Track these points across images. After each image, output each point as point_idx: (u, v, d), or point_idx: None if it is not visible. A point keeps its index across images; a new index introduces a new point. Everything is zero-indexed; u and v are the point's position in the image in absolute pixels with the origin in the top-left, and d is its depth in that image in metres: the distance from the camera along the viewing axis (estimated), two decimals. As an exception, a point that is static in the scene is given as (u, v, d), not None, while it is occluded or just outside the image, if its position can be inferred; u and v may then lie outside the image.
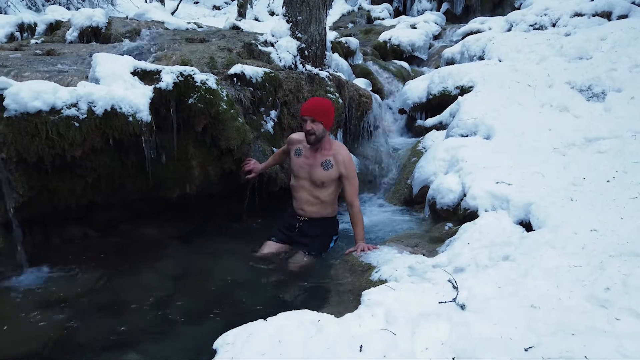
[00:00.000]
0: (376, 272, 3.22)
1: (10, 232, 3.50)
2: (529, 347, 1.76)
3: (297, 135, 3.98)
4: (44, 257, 3.81)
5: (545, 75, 6.62)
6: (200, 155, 4.31)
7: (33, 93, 3.33)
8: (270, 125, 4.90)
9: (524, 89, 6.29)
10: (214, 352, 1.98)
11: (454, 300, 2.10)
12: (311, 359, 1.76)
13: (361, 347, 1.82)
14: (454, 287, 2.32)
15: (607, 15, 8.47)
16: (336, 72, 6.22)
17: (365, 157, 5.98)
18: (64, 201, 3.78)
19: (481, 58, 8.00)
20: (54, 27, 7.93)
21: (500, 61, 7.44)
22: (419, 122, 7.10)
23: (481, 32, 9.60)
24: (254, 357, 1.80)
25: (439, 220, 4.34)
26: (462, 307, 2.07)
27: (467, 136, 5.27)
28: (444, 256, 3.27)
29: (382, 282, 2.92)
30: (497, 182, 3.76)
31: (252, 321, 2.15)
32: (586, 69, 6.26)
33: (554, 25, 8.95)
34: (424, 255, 3.52)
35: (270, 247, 4.01)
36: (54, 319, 3.12)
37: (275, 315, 2.08)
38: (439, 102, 6.90)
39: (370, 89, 7.22)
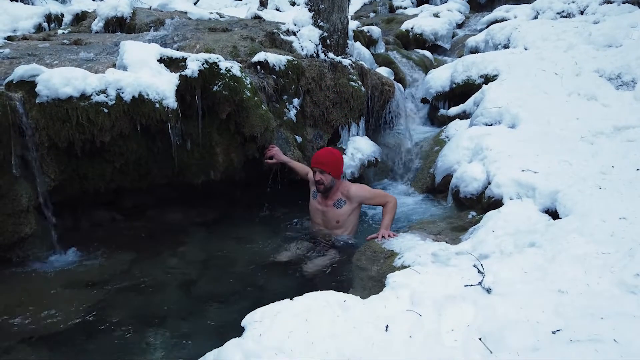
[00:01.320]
0: (399, 258, 3.23)
1: (43, 215, 3.61)
2: (557, 330, 1.75)
3: (312, 179, 4.06)
4: (73, 240, 3.93)
5: (573, 63, 6.47)
6: (224, 142, 4.36)
7: (64, 79, 3.42)
8: (292, 113, 4.91)
9: (551, 77, 6.16)
10: (242, 329, 2.02)
11: (479, 283, 2.10)
12: (338, 337, 1.79)
13: (387, 327, 1.84)
14: (479, 271, 2.31)
15: (637, 3, 8.22)
16: (358, 61, 6.20)
17: (387, 146, 5.95)
18: (93, 186, 3.88)
19: (506, 46, 7.84)
20: (80, 18, 8.08)
21: (526, 49, 7.29)
22: (442, 111, 7.01)
23: (506, 20, 9.41)
24: (282, 334, 1.83)
25: (462, 209, 4.30)
26: (488, 290, 2.07)
27: (491, 125, 5.20)
28: (468, 244, 3.25)
29: (404, 267, 2.93)
30: (522, 170, 3.72)
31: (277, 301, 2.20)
32: (615, 57, 6.10)
33: (582, 12, 8.72)
34: (447, 243, 3.50)
35: (286, 255, 3.91)
36: (85, 298, 3.23)
37: (301, 295, 2.11)
38: (462, 91, 6.80)
39: (393, 78, 7.17)
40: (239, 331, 2.88)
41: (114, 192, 4.23)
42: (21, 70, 3.43)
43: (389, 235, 3.58)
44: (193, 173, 4.31)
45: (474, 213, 4.08)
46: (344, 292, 2.94)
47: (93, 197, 4.13)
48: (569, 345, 1.65)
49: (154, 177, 4.17)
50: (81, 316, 3.05)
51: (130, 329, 2.95)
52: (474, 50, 8.59)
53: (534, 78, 6.13)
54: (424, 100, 7.55)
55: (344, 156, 5.11)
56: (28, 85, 3.43)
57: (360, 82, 5.23)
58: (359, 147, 5.14)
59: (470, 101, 6.25)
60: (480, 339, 1.71)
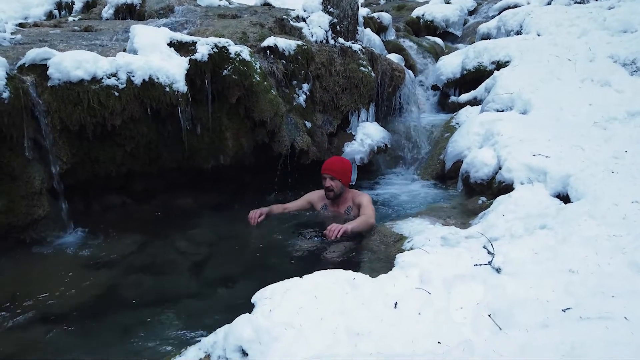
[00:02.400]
0: (408, 242, 3.23)
1: (56, 198, 3.65)
2: (567, 308, 1.74)
3: (316, 195, 4.05)
4: (85, 222, 3.97)
5: (587, 49, 6.38)
6: (234, 127, 4.37)
7: (75, 62, 3.43)
8: (302, 98, 4.90)
9: (564, 63, 6.09)
10: (252, 305, 2.03)
11: (489, 263, 2.10)
12: (347, 313, 1.80)
13: (396, 304, 1.84)
14: (489, 252, 2.31)
15: (654, -13, 8.03)
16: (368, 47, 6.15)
17: (397, 132, 5.93)
18: (104, 169, 3.91)
19: (519, 33, 7.75)
20: (90, 5, 8.11)
21: (539, 35, 7.20)
22: (453, 98, 6.97)
23: (519, 6, 9.28)
24: (292, 310, 1.85)
25: (472, 194, 4.29)
26: (498, 270, 2.06)
27: (502, 111, 5.16)
28: (478, 227, 3.24)
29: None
30: (534, 155, 3.69)
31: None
32: (630, 43, 6.00)
33: (596, -2, 8.57)
34: (456, 227, 3.50)
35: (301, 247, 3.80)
36: (97, 278, 3.26)
37: (311, 274, 2.12)
38: (473, 78, 6.75)
39: (403, 64, 7.11)
40: (246, 309, 2.91)
41: (125, 177, 4.26)
42: (33, 54, 3.45)
43: (339, 231, 3.29)
44: (203, 157, 4.33)
45: (484, 198, 4.06)
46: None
47: (104, 181, 4.17)
48: (579, 323, 1.65)
49: (164, 161, 4.20)
50: (94, 296, 3.09)
51: (142, 309, 2.98)
52: (486, 37, 8.50)
53: (546, 64, 6.07)
54: (434, 87, 7.50)
55: (353, 142, 5.12)
56: (40, 69, 3.45)
57: (370, 68, 5.20)
58: (368, 133, 5.13)
59: (481, 87, 6.20)
60: (489, 315, 1.71)
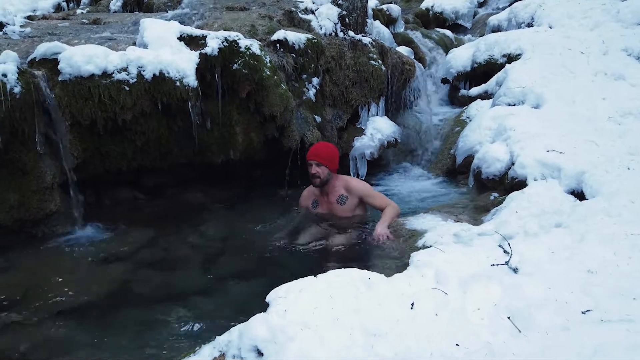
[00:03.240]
0: (420, 238, 3.21)
1: (67, 192, 3.66)
2: (587, 310, 1.72)
3: (305, 194, 3.94)
4: (96, 217, 3.98)
5: (600, 42, 6.28)
6: (244, 122, 4.35)
7: (86, 57, 3.42)
8: (312, 92, 4.87)
9: (576, 56, 5.99)
10: (267, 304, 2.03)
11: (506, 263, 2.07)
12: (363, 313, 1.79)
13: (412, 304, 1.83)
14: (504, 251, 2.28)
15: (669, -22, 7.88)
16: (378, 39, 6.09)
17: (407, 126, 5.88)
18: (115, 164, 3.92)
19: (530, 25, 7.64)
20: (99, -3, 8.06)
21: (550, 28, 7.09)
22: (463, 91, 6.90)
23: (530, -2, 9.13)
24: (307, 310, 1.83)
25: (483, 190, 4.25)
26: (515, 270, 2.04)
27: (514, 105, 5.09)
28: (490, 224, 3.21)
29: (426, 248, 2.90)
30: (547, 151, 3.64)
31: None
32: (645, 35, 5.90)
33: (609, -11, 8.41)
34: (468, 223, 3.46)
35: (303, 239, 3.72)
36: (109, 273, 3.28)
37: (324, 272, 2.11)
38: (484, 71, 6.67)
39: (412, 57, 7.04)
40: (260, 308, 2.91)
41: (135, 172, 4.27)
42: (43, 48, 3.45)
43: (387, 237, 3.33)
44: (213, 152, 4.32)
45: (496, 194, 4.02)
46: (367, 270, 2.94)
47: (115, 176, 4.17)
48: (600, 326, 1.62)
49: (175, 156, 4.19)
50: (106, 291, 3.10)
51: (155, 305, 2.99)
52: (496, 29, 8.39)
53: (559, 57, 5.98)
54: (444, 80, 7.43)
55: (363, 136, 5.08)
56: (51, 63, 3.45)
57: (380, 61, 5.15)
58: (378, 128, 5.09)
59: (492, 81, 6.13)
60: (509, 317, 1.69)
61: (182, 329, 2.82)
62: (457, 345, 1.62)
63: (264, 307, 2.49)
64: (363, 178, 5.09)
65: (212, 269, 3.55)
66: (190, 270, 3.49)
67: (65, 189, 3.64)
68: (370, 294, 1.91)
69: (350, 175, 5.07)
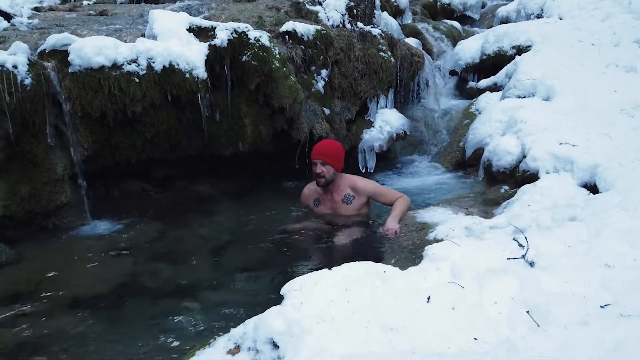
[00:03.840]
0: (431, 231, 3.19)
1: (77, 184, 3.67)
2: (605, 305, 1.70)
3: (306, 191, 3.78)
4: (106, 209, 4.00)
5: (611, 33, 6.22)
6: (253, 114, 4.34)
7: (95, 48, 3.41)
8: (320, 84, 4.84)
9: (587, 48, 5.94)
10: (280, 297, 2.02)
11: (523, 257, 2.06)
12: (379, 307, 1.78)
13: (429, 298, 1.82)
14: (519, 245, 2.27)
15: (682, -32, 7.77)
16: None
17: (415, 119, 5.84)
18: (125, 156, 3.92)
19: (539, 16, 7.56)
20: (105, -12, 8.02)
21: (560, 19, 7.01)
22: (471, 83, 6.84)
23: (539, -12, 9.02)
24: (323, 303, 1.83)
25: (494, 183, 4.22)
26: (531, 264, 2.02)
27: (524, 97, 5.05)
28: (502, 218, 3.19)
29: (437, 241, 2.89)
30: (560, 143, 3.61)
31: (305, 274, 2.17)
32: (658, 26, 5.82)
33: (621, -20, 8.30)
34: (479, 216, 3.44)
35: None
36: (120, 264, 3.29)
37: (339, 265, 2.10)
38: (493, 63, 6.61)
39: (420, 49, 6.98)
40: (268, 301, 2.90)
41: (145, 164, 4.26)
42: (53, 39, 3.43)
43: (395, 232, 3.25)
44: (222, 145, 4.31)
45: (506, 187, 4.00)
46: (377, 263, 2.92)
47: (124, 168, 4.17)
48: (620, 320, 1.61)
49: (184, 148, 4.19)
50: (118, 283, 3.11)
51: (166, 297, 2.99)
52: (505, 21, 8.31)
53: (569, 49, 5.92)
54: (452, 72, 7.37)
55: (372, 129, 5.06)
56: (60, 55, 3.44)
57: (389, 53, 5.11)
58: (387, 120, 5.06)
59: (501, 73, 6.08)
60: (527, 312, 1.68)
61: (193, 321, 2.82)
62: (475, 339, 1.61)
63: (272, 300, 2.50)
64: (371, 171, 5.08)
65: (221, 261, 3.56)
66: (200, 263, 3.49)
67: (75, 181, 3.64)
68: (385, 287, 1.91)
69: (359, 168, 5.05)
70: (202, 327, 2.76)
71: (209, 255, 3.59)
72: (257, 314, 2.00)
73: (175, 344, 2.59)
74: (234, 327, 2.03)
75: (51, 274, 3.10)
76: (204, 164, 4.66)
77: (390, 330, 1.68)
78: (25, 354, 2.41)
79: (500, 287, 1.88)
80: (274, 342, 1.81)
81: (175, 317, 2.82)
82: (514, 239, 2.34)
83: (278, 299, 2.20)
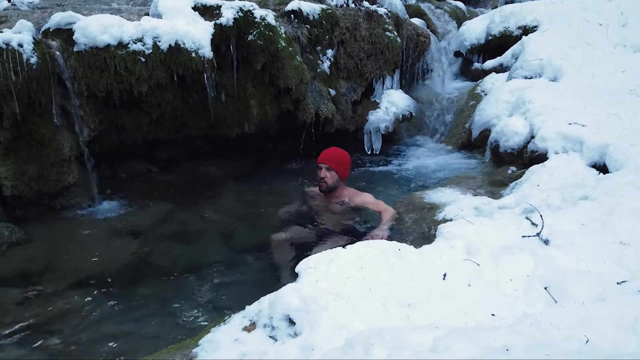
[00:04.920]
0: (440, 211, 3.19)
1: (84, 165, 3.65)
2: (622, 281, 1.71)
3: (309, 191, 3.64)
4: (112, 190, 3.99)
5: (618, 13, 6.12)
6: (259, 95, 4.30)
7: (101, 27, 3.36)
8: (326, 65, 4.79)
9: (594, 28, 5.85)
10: (292, 277, 2.03)
11: (537, 234, 2.06)
12: (395, 284, 1.78)
13: (445, 275, 1.82)
14: (532, 223, 2.27)
15: (691, -53, 7.63)
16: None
17: (420, 100, 5.81)
18: (131, 137, 3.89)
19: (546, -4, 7.44)
20: (105, -33, 7.88)
21: (567, -1, 6.90)
22: (476, 65, 6.77)
23: (545, -32, 8.88)
24: (338, 280, 1.83)
25: (501, 164, 4.21)
26: (546, 242, 2.02)
27: (531, 78, 5.01)
28: (511, 198, 3.18)
29: (446, 221, 2.89)
30: (569, 124, 3.58)
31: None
32: (667, 6, 5.75)
33: (628, -41, 8.17)
34: (487, 197, 3.44)
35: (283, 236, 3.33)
36: (128, 245, 3.30)
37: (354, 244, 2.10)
38: (499, 44, 6.53)
39: (426, 29, 6.90)
40: (278, 280, 2.93)
41: (150, 144, 4.24)
42: (58, 18, 3.38)
43: (382, 238, 2.92)
44: (228, 125, 4.28)
45: (513, 168, 3.99)
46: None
47: (129, 149, 4.15)
48: (637, 296, 1.61)
49: (189, 129, 4.16)
50: (128, 264, 3.12)
51: (176, 277, 3.01)
52: (510, 1, 8.19)
53: (576, 29, 5.84)
54: (457, 54, 7.28)
55: (377, 110, 5.03)
56: (65, 34, 3.38)
57: (395, 33, 5.04)
58: (393, 101, 5.02)
59: (508, 54, 6.01)
60: (545, 288, 1.68)
61: (204, 300, 2.85)
62: (493, 315, 1.61)
63: (281, 279, 2.50)
64: (377, 152, 5.06)
65: (229, 241, 3.57)
66: (208, 243, 3.50)
67: (82, 162, 3.63)
68: (401, 265, 1.91)
69: (364, 149, 5.04)
70: (213, 306, 2.78)
71: (216, 235, 3.60)
72: (268, 293, 2.01)
73: (188, 321, 2.61)
74: (245, 306, 2.04)
75: (61, 254, 3.11)
76: (209, 145, 4.64)
77: (407, 307, 1.68)
78: (40, 333, 2.43)
79: (515, 264, 1.89)
80: (290, 318, 1.82)
81: (186, 296, 2.84)
82: (527, 218, 2.34)
83: (287, 279, 2.20)
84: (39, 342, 2.36)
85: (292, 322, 1.82)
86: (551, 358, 1.03)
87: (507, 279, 1.81)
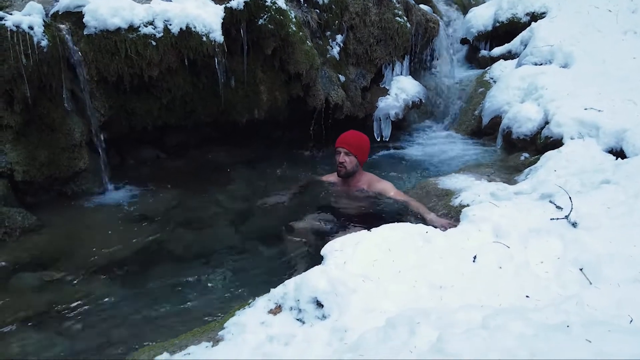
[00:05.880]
0: (455, 197, 3.17)
1: (94, 151, 3.61)
2: (655, 264, 1.69)
3: (326, 177, 3.59)
4: (122, 176, 3.95)
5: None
6: (269, 80, 4.25)
7: (111, 10, 3.30)
8: (336, 50, 4.73)
9: (604, 14, 5.80)
10: (317, 260, 2.00)
11: (566, 217, 2.04)
12: (425, 267, 1.76)
13: (475, 257, 1.80)
14: (556, 207, 2.25)
15: None
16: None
17: (428, 87, 5.76)
18: (141, 122, 3.84)
19: (553, -18, 7.36)
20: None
21: (576, -15, 6.84)
22: (483, 52, 6.72)
23: (552, -46, 8.78)
24: (366, 262, 1.81)
25: (512, 151, 4.18)
26: (574, 224, 2.00)
27: (541, 64, 4.96)
28: (527, 184, 3.15)
29: (463, 207, 2.87)
30: (585, 109, 3.55)
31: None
32: (677, -8, 5.69)
33: (636, -55, 8.08)
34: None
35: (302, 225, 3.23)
36: (141, 231, 3.27)
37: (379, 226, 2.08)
38: (506, 30, 6.47)
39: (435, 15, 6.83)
40: (294, 267, 2.91)
41: (159, 130, 4.20)
42: (67, 1, 3.32)
43: (448, 224, 2.81)
44: (238, 111, 4.23)
45: (526, 155, 3.96)
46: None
47: (139, 135, 4.11)
48: (672, 278, 1.59)
49: (199, 115, 4.11)
50: (140, 250, 3.10)
51: (188, 263, 2.98)
52: (517, -13, 8.10)
53: (586, 15, 5.79)
54: (463, 41, 7.22)
55: (387, 96, 4.98)
56: (74, 17, 3.33)
57: (405, 18, 4.98)
58: (403, 87, 4.98)
59: (516, 40, 5.96)
60: (581, 269, 1.66)
61: (219, 286, 2.83)
62: (527, 297, 1.60)
63: (298, 266, 2.46)
64: (387, 139, 5.03)
65: (240, 227, 3.53)
66: (221, 229, 3.47)
67: (92, 148, 3.59)
68: (429, 247, 1.89)
69: (374, 137, 5.00)
70: (228, 292, 2.75)
71: (228, 221, 3.57)
72: (284, 280, 1.98)
73: (205, 307, 2.59)
74: (263, 292, 2.02)
75: (74, 240, 3.08)
76: (217, 131, 4.60)
77: (439, 289, 1.66)
78: (59, 318, 2.40)
79: (544, 247, 1.87)
80: (318, 301, 1.80)
81: (201, 282, 2.82)
82: (550, 201, 2.32)
83: (304, 266, 2.15)
84: (58, 327, 2.34)
85: (319, 305, 1.80)
86: (614, 334, 1.01)
87: (537, 261, 1.79)
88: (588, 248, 1.82)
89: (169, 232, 3.34)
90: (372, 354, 1.19)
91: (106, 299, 2.60)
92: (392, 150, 4.91)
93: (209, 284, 2.85)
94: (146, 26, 3.40)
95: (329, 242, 2.02)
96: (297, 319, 1.83)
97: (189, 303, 2.64)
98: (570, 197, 2.16)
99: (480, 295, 1.62)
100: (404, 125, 5.38)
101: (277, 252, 3.18)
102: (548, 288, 1.63)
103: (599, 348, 0.94)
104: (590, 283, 1.62)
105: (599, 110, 3.49)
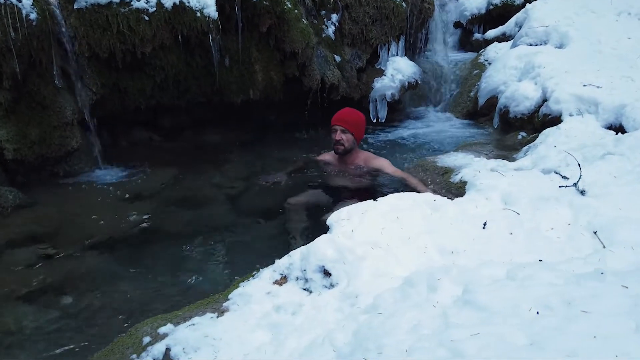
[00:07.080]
0: (456, 174, 3.13)
1: (86, 130, 3.52)
2: (667, 227, 1.68)
3: (322, 157, 3.56)
4: (115, 157, 3.87)
5: (622, -19, 6.07)
6: (264, 59, 4.18)
7: (102, -18, 3.19)
8: (331, 30, 4.66)
9: (598, -5, 5.80)
10: (327, 227, 1.96)
11: (575, 184, 2.01)
12: (435, 233, 1.73)
13: (485, 224, 1.77)
14: (562, 177, 2.22)
15: None
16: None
17: (423, 69, 5.71)
18: (133, 101, 3.75)
19: (546, -35, 7.34)
20: None
21: (569, -33, 6.82)
22: (477, 35, 6.69)
23: (544, -62, 8.75)
24: (374, 230, 1.77)
25: (509, 130, 4.16)
26: (582, 192, 1.98)
27: (536, 45, 4.94)
28: (527, 160, 3.13)
29: (463, 183, 2.84)
30: (584, 85, 3.54)
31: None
32: (671, -27, 5.69)
33: None
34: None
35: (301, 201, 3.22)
36: (136, 209, 3.20)
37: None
38: (500, 13, 6.46)
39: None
40: (293, 243, 2.86)
41: (152, 111, 4.11)
42: (55, -27, 3.20)
43: None
44: (232, 91, 4.16)
45: (524, 134, 3.94)
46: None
47: (132, 115, 4.01)
48: (685, 240, 1.58)
49: (193, 94, 4.03)
50: (137, 228, 3.03)
51: (186, 240, 2.92)
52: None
53: (581, -4, 5.78)
54: (457, 24, 7.18)
55: (383, 77, 4.93)
56: (64, -11, 3.22)
57: (401, -2, 4.92)
58: (399, 68, 4.93)
59: (511, 22, 5.94)
60: (595, 232, 1.64)
61: (217, 261, 2.79)
62: (540, 260, 1.57)
63: (297, 241, 2.41)
64: (383, 121, 4.99)
65: (237, 205, 3.48)
66: (218, 207, 3.42)
67: (84, 127, 3.49)
68: (438, 215, 1.85)
69: (370, 118, 4.95)
70: (230, 267, 2.71)
71: (224, 201, 3.52)
72: (283, 255, 1.93)
73: (204, 283, 2.54)
74: (265, 265, 1.97)
75: (68, 217, 3.01)
76: (210, 113, 4.51)
77: (451, 254, 1.63)
78: (52, 293, 2.34)
79: (554, 213, 1.84)
80: (325, 269, 1.76)
81: (198, 258, 2.78)
82: (556, 172, 2.30)
83: (303, 240, 2.10)
84: (51, 302, 2.28)
85: (327, 274, 1.76)
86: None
87: (548, 227, 1.77)
88: (599, 212, 1.80)
89: (166, 210, 3.28)
90: (391, 312, 1.15)
91: (101, 275, 2.54)
92: (387, 131, 4.87)
93: (209, 259, 2.80)
94: (139, 0, 3.30)
95: (335, 212, 1.98)
96: (304, 289, 1.79)
97: (188, 279, 2.58)
98: (579, 164, 2.14)
99: (494, 259, 1.59)
100: (400, 107, 5.34)
101: (276, 228, 3.14)
102: (563, 251, 1.61)
103: (638, 292, 0.91)
104: (604, 247, 1.60)
105: (598, 87, 3.48)
